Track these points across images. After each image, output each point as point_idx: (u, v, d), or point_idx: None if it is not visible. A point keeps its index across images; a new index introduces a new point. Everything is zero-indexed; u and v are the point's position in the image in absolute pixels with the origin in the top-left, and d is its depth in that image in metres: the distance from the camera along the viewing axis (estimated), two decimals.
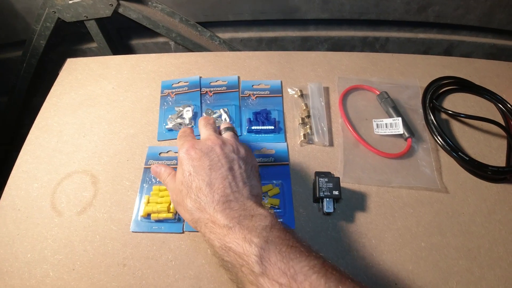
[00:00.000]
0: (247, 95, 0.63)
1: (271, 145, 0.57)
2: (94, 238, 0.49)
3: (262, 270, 0.32)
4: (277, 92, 0.64)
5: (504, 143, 0.58)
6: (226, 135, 0.46)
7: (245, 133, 0.59)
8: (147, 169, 0.55)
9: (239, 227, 0.35)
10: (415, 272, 0.46)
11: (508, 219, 0.50)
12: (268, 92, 0.64)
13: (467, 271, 0.46)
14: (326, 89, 0.64)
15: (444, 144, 0.56)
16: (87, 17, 0.78)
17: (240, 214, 0.37)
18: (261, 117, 0.60)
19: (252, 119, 0.60)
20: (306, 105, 0.61)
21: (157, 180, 0.54)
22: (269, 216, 0.37)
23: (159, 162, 0.55)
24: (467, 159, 0.54)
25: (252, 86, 0.65)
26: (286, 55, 0.69)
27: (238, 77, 0.66)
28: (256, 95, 0.63)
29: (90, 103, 0.64)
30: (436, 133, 0.57)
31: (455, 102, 0.63)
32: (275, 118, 0.60)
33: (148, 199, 0.51)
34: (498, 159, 0.56)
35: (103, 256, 0.48)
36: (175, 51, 0.91)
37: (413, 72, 0.66)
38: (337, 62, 0.68)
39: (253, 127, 0.59)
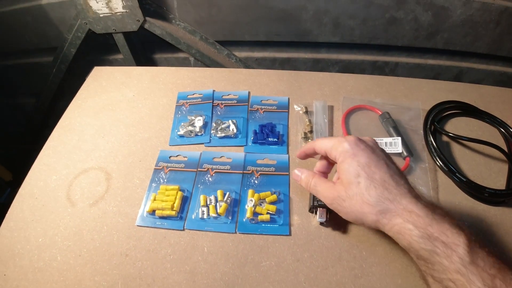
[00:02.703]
0: (256, 109, 0.67)
1: (274, 156, 0.60)
2: (102, 228, 0.53)
3: (473, 260, 0.34)
4: (284, 107, 0.67)
5: (505, 167, 0.58)
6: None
7: (250, 143, 0.62)
8: (157, 170, 0.59)
9: (440, 219, 0.37)
10: (404, 286, 0.46)
11: (503, 241, 0.50)
12: (275, 108, 0.67)
13: None
14: (331, 108, 0.67)
15: (442, 165, 0.57)
16: (115, 30, 0.85)
17: (432, 208, 0.38)
18: (266, 129, 0.63)
19: (257, 131, 0.63)
20: (310, 121, 0.64)
21: (165, 180, 0.58)
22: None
23: (168, 164, 0.60)
24: (465, 180, 0.55)
25: (261, 101, 0.69)
26: (295, 74, 0.73)
27: (249, 92, 0.70)
28: (264, 110, 0.67)
29: (111, 107, 0.70)
30: (435, 154, 0.58)
31: (457, 125, 0.64)
32: (279, 132, 0.63)
33: (155, 197, 0.55)
34: (497, 183, 0.56)
35: (108, 245, 0.51)
36: (194, 66, 0.97)
37: (417, 96, 0.68)
38: (343, 82, 0.71)
39: (258, 139, 0.62)
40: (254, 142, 0.62)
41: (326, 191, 0.44)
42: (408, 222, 0.37)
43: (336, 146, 0.43)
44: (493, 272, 0.33)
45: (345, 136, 0.45)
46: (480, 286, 0.33)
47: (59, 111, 0.70)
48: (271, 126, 0.64)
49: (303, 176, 0.48)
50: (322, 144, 0.46)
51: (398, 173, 0.42)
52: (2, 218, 0.55)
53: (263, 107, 0.67)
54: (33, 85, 1.07)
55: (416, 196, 0.40)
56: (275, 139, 0.62)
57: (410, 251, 0.39)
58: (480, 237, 0.37)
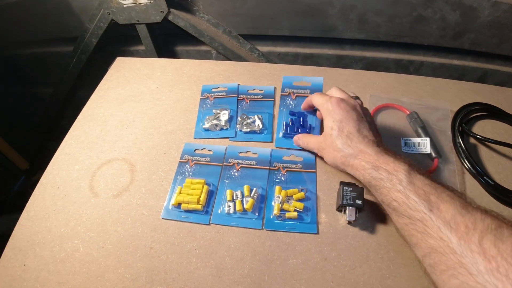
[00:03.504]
0: (287, 93, 0.67)
1: (300, 152, 0.59)
2: (126, 220, 0.53)
3: (410, 180, 0.42)
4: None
5: None
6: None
7: (281, 135, 0.62)
8: (182, 163, 0.58)
9: (387, 155, 0.46)
10: None
11: None
12: (309, 91, 0.67)
13: None
14: None
15: (471, 167, 0.56)
16: (138, 21, 0.84)
17: (383, 149, 0.48)
18: (297, 122, 0.62)
19: (288, 124, 0.62)
20: None
21: (190, 173, 0.57)
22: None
23: (194, 157, 0.59)
24: (492, 183, 0.54)
25: (293, 83, 0.68)
26: (320, 70, 0.72)
27: (275, 88, 0.69)
28: (296, 94, 0.66)
29: (135, 99, 0.69)
30: (463, 156, 0.58)
31: (484, 128, 0.63)
32: (310, 124, 0.62)
33: (180, 190, 0.54)
34: None
35: (132, 237, 0.51)
36: (216, 59, 0.96)
37: (444, 96, 0.67)
38: (369, 80, 0.70)
39: (289, 132, 0.61)
40: (285, 136, 0.61)
41: (314, 144, 0.56)
42: (362, 161, 0.47)
43: (323, 104, 0.53)
44: (428, 190, 0.41)
45: (331, 96, 0.53)
46: (415, 199, 0.41)
47: (76, 101, 0.70)
48: (302, 117, 0.63)
49: (299, 139, 0.59)
50: (316, 101, 0.56)
51: (367, 128, 0.51)
52: (20, 206, 0.55)
53: (295, 91, 0.67)
54: (51, 75, 1.06)
55: (374, 142, 0.49)
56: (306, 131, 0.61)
57: (365, 184, 0.48)
58: (420, 167, 0.46)
